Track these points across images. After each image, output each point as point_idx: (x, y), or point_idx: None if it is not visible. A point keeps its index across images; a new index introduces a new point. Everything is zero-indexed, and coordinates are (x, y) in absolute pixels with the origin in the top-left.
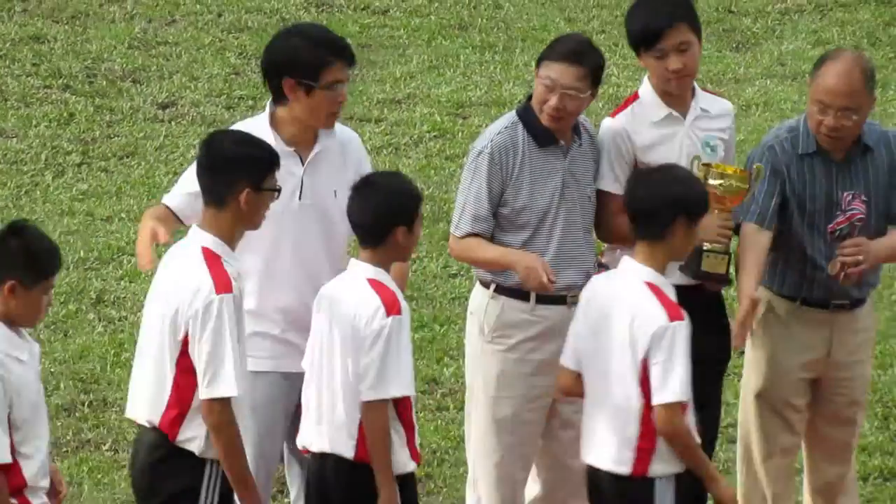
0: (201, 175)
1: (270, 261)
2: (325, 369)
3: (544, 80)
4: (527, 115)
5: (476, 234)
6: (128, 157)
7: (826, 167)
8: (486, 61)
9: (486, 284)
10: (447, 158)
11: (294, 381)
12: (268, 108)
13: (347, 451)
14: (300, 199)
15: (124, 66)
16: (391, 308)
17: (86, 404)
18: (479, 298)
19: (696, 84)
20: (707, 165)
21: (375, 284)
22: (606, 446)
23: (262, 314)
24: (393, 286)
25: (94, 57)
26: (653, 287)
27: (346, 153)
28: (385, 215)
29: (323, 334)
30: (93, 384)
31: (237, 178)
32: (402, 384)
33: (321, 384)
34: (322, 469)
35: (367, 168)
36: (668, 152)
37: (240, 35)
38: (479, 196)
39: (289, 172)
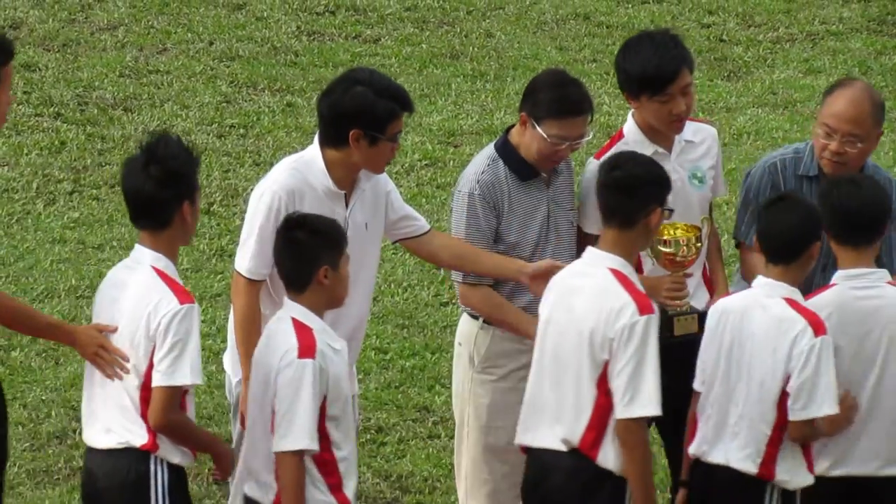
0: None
1: None
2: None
3: (553, 138)
4: (506, 150)
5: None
6: (119, 185)
7: None
8: (477, 90)
9: (474, 315)
10: (438, 187)
11: None
12: (317, 148)
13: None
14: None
15: (116, 94)
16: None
17: (77, 432)
18: (468, 329)
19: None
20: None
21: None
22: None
23: None
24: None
25: (86, 85)
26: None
27: (376, 188)
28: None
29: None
30: None
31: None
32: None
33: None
34: None
35: (394, 193)
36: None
37: (231, 63)
38: (481, 237)
39: (334, 213)
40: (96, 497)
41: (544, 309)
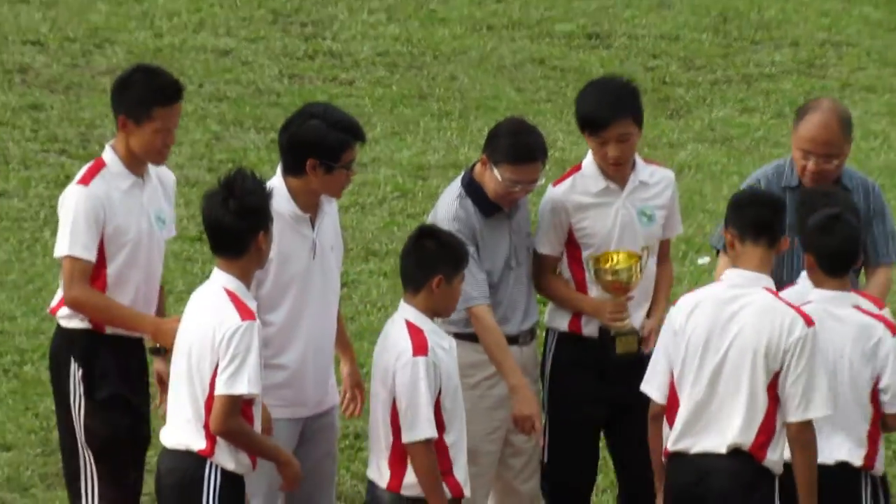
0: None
1: (295, 317)
2: None
3: (507, 181)
4: (471, 188)
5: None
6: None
7: None
8: (443, 128)
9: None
10: (409, 216)
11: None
12: (279, 177)
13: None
14: (314, 258)
15: (115, 132)
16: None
17: None
18: None
19: (638, 156)
20: (597, 259)
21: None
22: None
23: (278, 366)
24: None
25: (88, 124)
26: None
27: (334, 214)
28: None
29: None
30: None
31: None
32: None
33: None
34: None
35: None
36: (603, 219)
37: (219, 104)
38: (471, 267)
39: (303, 236)
40: (159, 491)
41: (698, 331)
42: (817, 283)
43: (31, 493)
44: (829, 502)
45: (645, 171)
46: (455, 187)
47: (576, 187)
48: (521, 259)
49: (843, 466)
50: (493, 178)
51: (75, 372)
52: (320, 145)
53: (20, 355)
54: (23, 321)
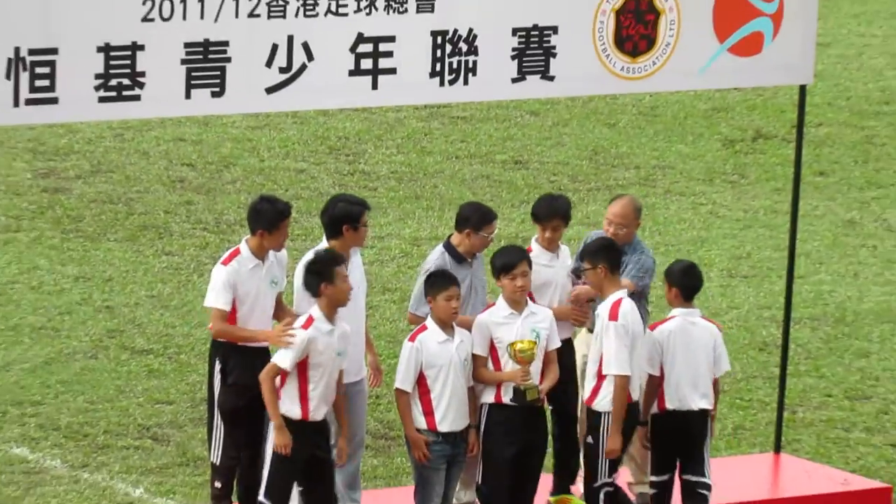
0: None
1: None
2: None
3: (482, 238)
4: (449, 247)
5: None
6: None
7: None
8: (430, 216)
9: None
10: (409, 268)
11: None
12: (325, 242)
13: None
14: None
15: (239, 221)
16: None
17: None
18: None
19: (528, 299)
20: (512, 345)
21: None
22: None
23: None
24: None
25: (219, 213)
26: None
27: (359, 262)
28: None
29: None
30: None
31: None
32: None
33: None
34: None
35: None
36: (511, 332)
37: (296, 202)
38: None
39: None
40: None
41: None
42: (677, 305)
43: (184, 430)
44: (696, 432)
45: (533, 307)
46: (439, 248)
47: (498, 311)
48: (478, 291)
49: (704, 412)
50: (479, 238)
51: (217, 366)
52: (348, 215)
53: (178, 348)
54: (180, 329)
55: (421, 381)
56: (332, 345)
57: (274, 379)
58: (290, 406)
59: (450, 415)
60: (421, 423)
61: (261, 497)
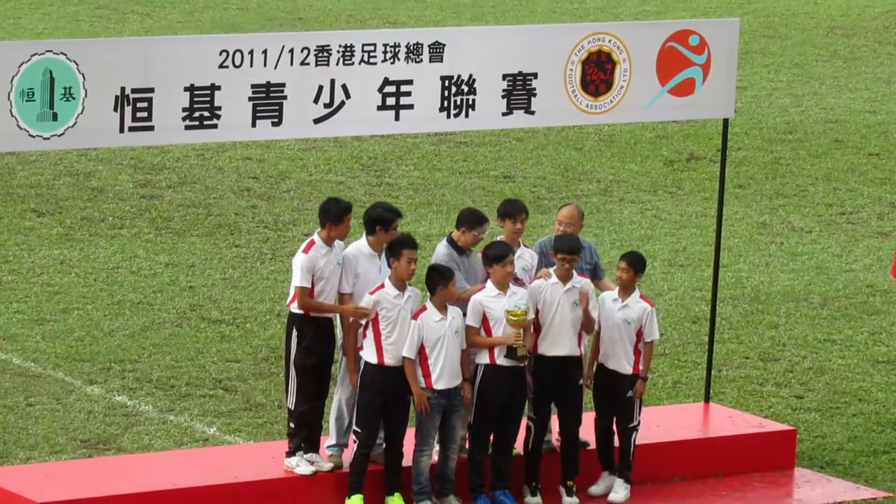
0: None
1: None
2: None
3: (473, 236)
4: (451, 241)
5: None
6: None
7: None
8: (439, 219)
9: None
10: (423, 259)
11: None
12: (364, 238)
13: None
14: (380, 272)
15: (308, 223)
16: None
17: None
18: None
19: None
20: (510, 311)
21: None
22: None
23: None
24: None
25: (277, 216)
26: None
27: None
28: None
29: None
30: None
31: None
32: None
33: None
34: None
35: None
36: (499, 307)
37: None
38: (457, 276)
39: (374, 263)
40: None
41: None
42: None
43: (248, 383)
44: (621, 390)
45: (514, 289)
46: (444, 242)
47: (489, 291)
48: (475, 277)
49: (634, 376)
50: (472, 235)
51: (294, 332)
52: (382, 219)
53: (244, 319)
54: (246, 304)
55: (421, 350)
56: (398, 305)
57: (356, 332)
58: (369, 354)
59: (444, 376)
60: (422, 382)
61: (354, 426)
